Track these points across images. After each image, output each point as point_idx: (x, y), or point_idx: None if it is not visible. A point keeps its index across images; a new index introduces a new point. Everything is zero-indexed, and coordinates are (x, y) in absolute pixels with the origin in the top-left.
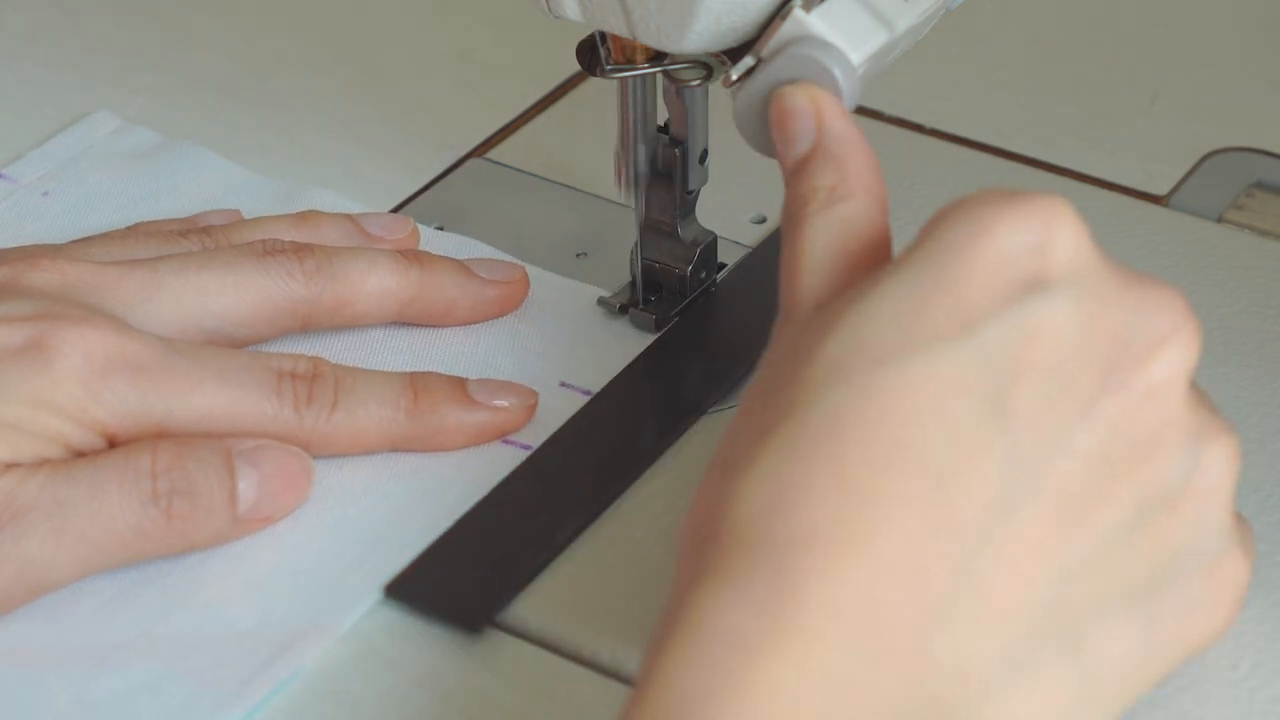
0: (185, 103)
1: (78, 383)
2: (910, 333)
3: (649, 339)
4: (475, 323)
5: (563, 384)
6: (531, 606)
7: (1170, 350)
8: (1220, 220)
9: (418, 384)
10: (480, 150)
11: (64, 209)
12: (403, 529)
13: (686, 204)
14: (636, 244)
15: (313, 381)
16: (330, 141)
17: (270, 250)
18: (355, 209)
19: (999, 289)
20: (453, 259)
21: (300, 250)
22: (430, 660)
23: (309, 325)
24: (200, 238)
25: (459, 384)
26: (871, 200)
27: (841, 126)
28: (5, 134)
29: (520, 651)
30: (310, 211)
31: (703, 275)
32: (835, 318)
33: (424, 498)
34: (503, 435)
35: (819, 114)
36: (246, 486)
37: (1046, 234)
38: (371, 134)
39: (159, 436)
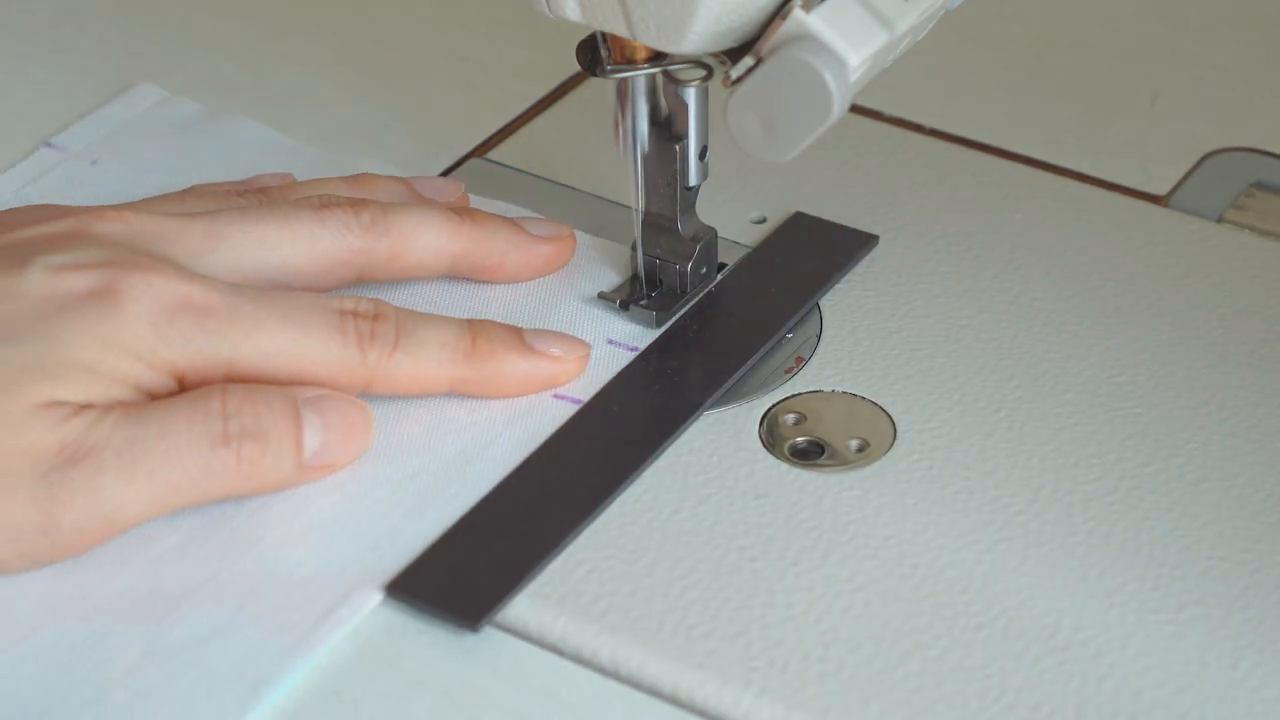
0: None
1: (147, 325)
2: None
3: (651, 334)
4: (525, 279)
5: (610, 341)
6: (531, 606)
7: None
8: (1220, 220)
9: (476, 329)
10: (480, 150)
11: (112, 177)
12: (462, 477)
13: (686, 200)
14: (637, 240)
15: (375, 321)
16: (330, 141)
17: (327, 204)
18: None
19: None
20: (504, 216)
21: (356, 204)
22: (430, 660)
23: (363, 277)
24: (257, 197)
25: (516, 332)
26: None
27: None
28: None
29: (520, 651)
30: (364, 174)
31: (703, 271)
32: None
33: (478, 453)
34: (556, 385)
35: None
36: (311, 433)
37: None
38: (371, 134)
39: (227, 379)
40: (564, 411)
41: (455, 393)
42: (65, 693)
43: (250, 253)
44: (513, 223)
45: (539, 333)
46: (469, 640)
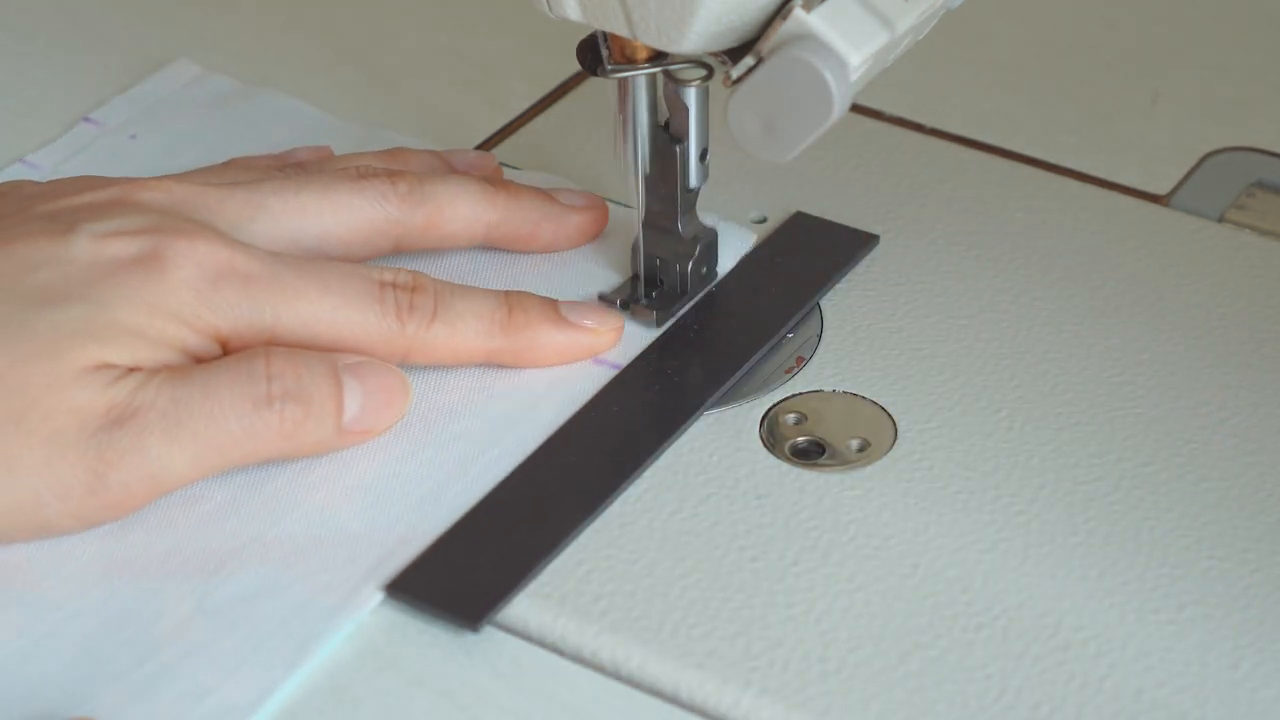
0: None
1: (192, 290)
2: None
3: (641, 342)
4: (559, 249)
5: (596, 361)
6: (531, 606)
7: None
8: (1220, 220)
9: (513, 301)
10: (480, 150)
11: (151, 151)
12: (503, 440)
13: (687, 201)
14: (637, 240)
15: (414, 292)
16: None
17: (365, 174)
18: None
19: None
20: (537, 188)
21: (393, 175)
22: (430, 660)
23: (401, 246)
24: (296, 169)
25: (551, 304)
26: None
27: None
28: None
29: (520, 651)
30: (399, 148)
31: (703, 271)
32: None
33: (520, 414)
34: (591, 355)
35: None
36: (352, 398)
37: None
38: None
39: (270, 344)
40: (604, 376)
41: (491, 363)
42: (115, 651)
43: (290, 222)
44: (546, 194)
45: (574, 304)
46: (469, 640)
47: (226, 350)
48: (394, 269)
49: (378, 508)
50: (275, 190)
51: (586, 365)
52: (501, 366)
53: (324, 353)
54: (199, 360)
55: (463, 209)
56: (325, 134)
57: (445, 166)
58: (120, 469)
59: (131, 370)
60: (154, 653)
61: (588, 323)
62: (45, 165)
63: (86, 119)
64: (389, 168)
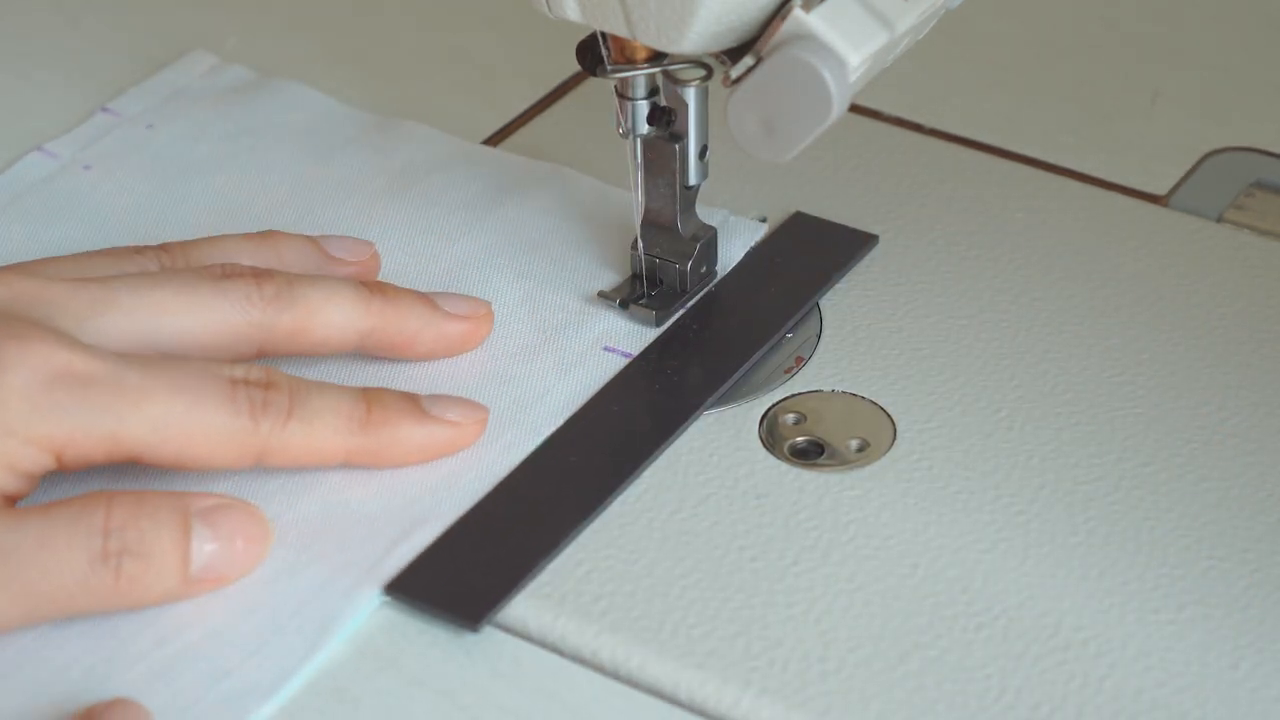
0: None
1: (23, 399)
2: None
3: (651, 333)
4: (436, 357)
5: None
6: (531, 606)
7: None
8: (1220, 220)
9: (371, 398)
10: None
11: (169, 140)
12: (518, 422)
13: (686, 200)
14: (637, 239)
15: (267, 389)
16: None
17: (229, 274)
18: (446, 140)
19: None
20: (417, 291)
21: (260, 275)
22: (430, 660)
23: (265, 351)
24: (158, 255)
25: (413, 399)
26: None
27: None
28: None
29: (520, 651)
30: (271, 232)
31: (703, 270)
32: None
33: (531, 403)
34: (453, 450)
35: None
36: (200, 547)
37: None
38: None
39: (110, 455)
40: (617, 364)
41: (350, 463)
42: (134, 634)
43: (145, 320)
44: (426, 298)
45: (436, 398)
46: (469, 640)
47: (62, 463)
48: (245, 364)
49: (394, 490)
50: (130, 287)
51: (598, 352)
52: (362, 466)
53: (176, 495)
54: (31, 476)
55: (334, 315)
56: (340, 122)
57: (320, 254)
58: None
59: None
60: (175, 634)
61: (450, 415)
62: (64, 154)
63: (105, 109)
64: (257, 260)
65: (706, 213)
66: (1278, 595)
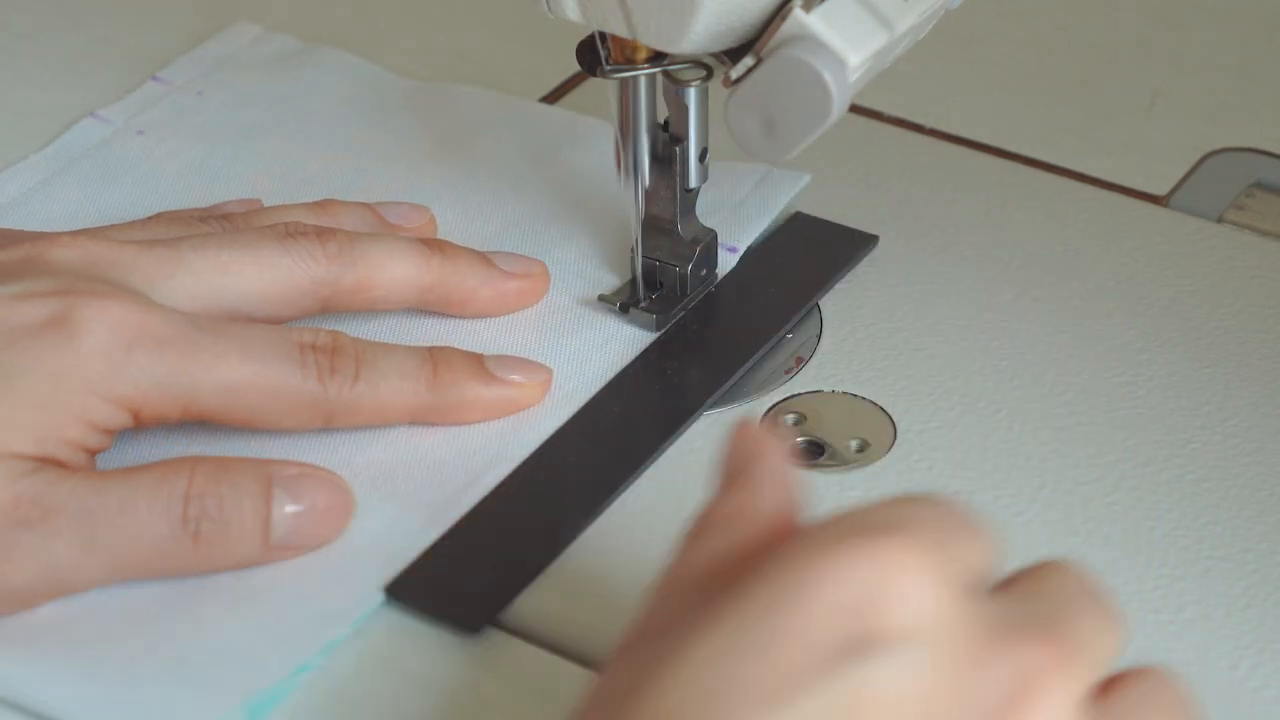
0: None
1: (102, 358)
2: (727, 701)
3: (650, 337)
4: (494, 314)
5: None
6: (531, 606)
7: (1043, 711)
8: (1220, 220)
9: (438, 357)
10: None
11: (218, 106)
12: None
13: (686, 202)
14: (636, 242)
15: (334, 354)
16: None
17: (293, 232)
18: (498, 100)
19: (822, 650)
20: (474, 250)
21: (323, 233)
22: (430, 660)
23: (329, 307)
24: (221, 223)
25: (477, 359)
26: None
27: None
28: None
29: (520, 651)
30: (328, 200)
31: (703, 273)
32: (658, 667)
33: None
34: (518, 410)
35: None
36: (281, 516)
37: (882, 585)
38: None
39: (184, 414)
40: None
41: (417, 421)
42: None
43: (212, 279)
44: (484, 256)
45: (501, 359)
46: (469, 640)
47: (138, 419)
48: (313, 329)
49: (463, 438)
50: (196, 247)
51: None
52: (428, 424)
53: (260, 463)
54: (108, 432)
55: (396, 271)
56: (388, 91)
57: (378, 220)
58: (25, 572)
59: (44, 463)
60: (256, 570)
61: (514, 377)
62: (117, 120)
63: (155, 78)
64: (319, 225)
65: (746, 169)
66: (1278, 595)
